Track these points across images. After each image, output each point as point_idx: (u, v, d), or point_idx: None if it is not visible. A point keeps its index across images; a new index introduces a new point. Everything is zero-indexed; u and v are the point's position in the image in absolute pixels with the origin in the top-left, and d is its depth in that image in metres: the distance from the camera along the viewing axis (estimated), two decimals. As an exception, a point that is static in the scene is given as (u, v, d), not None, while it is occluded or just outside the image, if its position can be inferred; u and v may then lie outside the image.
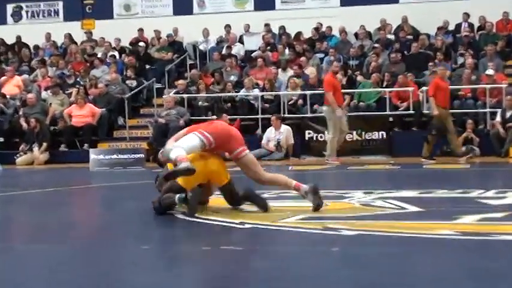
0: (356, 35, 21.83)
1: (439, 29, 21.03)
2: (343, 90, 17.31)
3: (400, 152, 16.17)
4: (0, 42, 24.27)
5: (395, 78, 17.62)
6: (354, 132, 16.51)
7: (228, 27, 22.71)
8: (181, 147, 6.94)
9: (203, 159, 7.22)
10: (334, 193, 8.79)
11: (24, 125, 18.05)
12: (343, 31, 21.41)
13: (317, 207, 7.00)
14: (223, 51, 21.64)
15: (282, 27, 22.46)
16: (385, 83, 17.84)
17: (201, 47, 22.59)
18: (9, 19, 25.90)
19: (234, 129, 7.54)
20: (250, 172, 7.43)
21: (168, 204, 6.95)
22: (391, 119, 17.08)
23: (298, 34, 22.20)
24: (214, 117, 16.84)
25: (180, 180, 6.95)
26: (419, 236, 5.65)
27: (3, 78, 20.69)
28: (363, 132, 16.56)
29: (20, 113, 18.86)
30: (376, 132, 16.59)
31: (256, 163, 7.58)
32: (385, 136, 16.58)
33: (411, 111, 16.88)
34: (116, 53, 22.32)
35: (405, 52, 19.79)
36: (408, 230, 5.93)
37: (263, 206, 7.22)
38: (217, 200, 7.36)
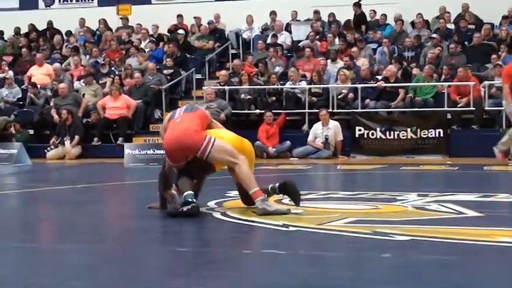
0: (413, 24, 21.68)
1: (504, 18, 20.77)
2: (396, 84, 17.24)
3: (459, 152, 16.03)
4: (31, 28, 24.60)
5: (455, 71, 17.46)
6: (409, 130, 16.42)
7: (273, 14, 22.70)
8: None
9: (240, 141, 7.53)
10: (385, 195, 8.77)
11: (56, 116, 18.28)
12: (398, 20, 21.26)
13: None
14: (268, 40, 21.65)
15: (332, 15, 22.38)
16: (443, 77, 17.69)
17: (245, 35, 22.62)
18: (41, 3, 26.23)
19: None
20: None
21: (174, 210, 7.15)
22: (449, 116, 16.94)
23: (348, 22, 22.08)
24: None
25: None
26: (477, 244, 5.61)
27: (33, 67, 20.97)
28: (418, 130, 16.45)
29: (51, 104, 19.11)
30: (433, 130, 16.46)
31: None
32: (442, 134, 16.44)
33: (471, 108, 16.72)
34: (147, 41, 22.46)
35: (466, 43, 19.60)
36: (466, 236, 5.90)
37: (297, 201, 7.43)
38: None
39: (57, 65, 21.10)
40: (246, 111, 17.53)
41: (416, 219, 6.88)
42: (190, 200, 7.04)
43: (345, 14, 22.28)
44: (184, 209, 7.00)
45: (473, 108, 16.69)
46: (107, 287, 4.48)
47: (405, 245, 5.62)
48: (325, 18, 22.59)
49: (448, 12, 21.41)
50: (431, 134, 16.45)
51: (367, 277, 4.65)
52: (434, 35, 19.94)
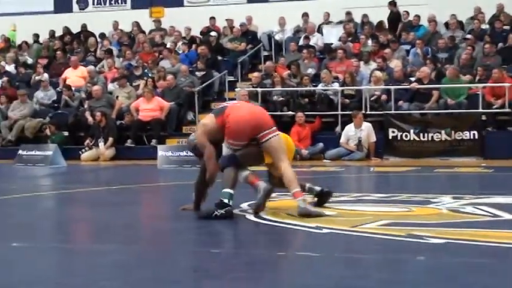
0: (446, 24, 21.55)
1: (539, 18, 20.58)
2: (429, 86, 17.14)
3: (494, 154, 15.89)
4: (65, 31, 24.81)
5: (490, 72, 17.32)
6: (443, 132, 16.29)
7: (305, 15, 22.68)
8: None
9: (285, 138, 7.81)
10: (419, 198, 8.73)
11: (90, 118, 18.41)
12: (432, 20, 21.14)
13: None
14: (301, 42, 21.65)
15: (365, 16, 22.31)
16: (477, 78, 17.56)
17: (277, 37, 22.62)
18: (75, 7, 26.45)
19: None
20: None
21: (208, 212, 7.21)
22: (483, 118, 16.80)
23: (381, 23, 21.99)
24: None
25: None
26: (513, 247, 5.58)
27: (68, 69, 21.15)
28: (453, 132, 16.33)
29: (85, 106, 19.24)
30: (467, 132, 16.32)
31: None
32: (476, 136, 16.30)
33: (507, 110, 16.57)
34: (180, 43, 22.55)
35: (501, 44, 19.43)
36: (502, 239, 5.86)
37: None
38: (293, 202, 7.38)
39: (91, 67, 21.24)
40: (279, 113, 17.53)
41: (450, 221, 6.85)
42: (226, 201, 7.09)
43: (378, 15, 22.18)
44: (218, 213, 7.04)
45: (509, 110, 16.53)
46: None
47: (439, 248, 5.60)
48: (357, 19, 22.52)
49: (482, 13, 21.25)
50: (465, 136, 16.31)
51: (400, 279, 4.65)
52: (468, 36, 19.80)
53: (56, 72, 21.92)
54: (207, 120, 7.67)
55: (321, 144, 16.71)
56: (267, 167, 7.73)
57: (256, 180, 7.27)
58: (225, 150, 7.41)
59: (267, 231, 6.72)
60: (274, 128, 7.49)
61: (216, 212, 7.05)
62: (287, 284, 4.63)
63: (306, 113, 17.15)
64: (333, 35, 21.93)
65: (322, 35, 22.16)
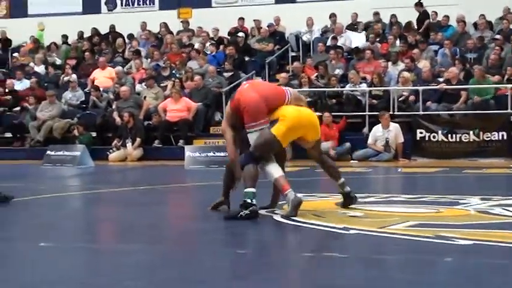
0: (475, 25, 21.40)
1: None
2: (458, 86, 17.03)
3: (523, 155, 15.78)
4: (93, 32, 24.96)
5: (519, 72, 17.18)
6: (471, 132, 16.19)
7: (333, 16, 22.64)
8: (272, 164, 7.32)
9: (298, 112, 7.48)
10: (447, 199, 8.67)
11: (118, 119, 18.49)
12: (461, 21, 21.01)
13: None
14: (328, 43, 21.60)
15: (394, 16, 22.22)
16: (505, 78, 17.41)
17: (305, 38, 22.59)
18: (103, 8, 26.62)
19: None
20: None
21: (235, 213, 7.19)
22: (512, 119, 16.67)
23: (409, 24, 21.89)
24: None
25: (276, 133, 7.28)
26: (542, 248, 5.52)
27: (96, 70, 21.27)
28: (481, 133, 16.21)
29: (113, 106, 19.33)
30: (496, 133, 16.20)
31: None
32: (505, 137, 16.17)
33: (536, 110, 16.42)
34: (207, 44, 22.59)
35: (530, 44, 19.27)
36: (530, 241, 5.81)
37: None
38: (320, 203, 7.36)
39: (119, 68, 21.33)
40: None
41: (479, 223, 6.79)
42: (249, 201, 7.08)
43: (406, 16, 22.09)
44: (243, 214, 7.04)
45: (538, 111, 16.40)
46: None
47: (467, 249, 5.56)
48: (385, 19, 22.43)
49: (511, 13, 21.07)
50: (494, 137, 16.19)
51: (428, 281, 4.61)
52: (497, 36, 19.65)
53: (84, 73, 22.07)
54: (228, 106, 7.80)
55: (348, 144, 16.66)
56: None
57: (287, 188, 7.19)
58: (252, 138, 7.36)
59: (293, 232, 6.70)
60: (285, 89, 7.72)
61: (242, 213, 7.04)
62: (313, 286, 4.60)
63: (333, 113, 17.11)
64: (356, 40, 21.79)
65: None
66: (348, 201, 7.78)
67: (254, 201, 7.11)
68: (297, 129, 7.38)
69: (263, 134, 7.27)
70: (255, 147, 7.28)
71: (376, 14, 22.34)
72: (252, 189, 7.15)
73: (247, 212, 7.04)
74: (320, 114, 17.23)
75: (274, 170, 7.28)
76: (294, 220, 7.01)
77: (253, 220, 7.01)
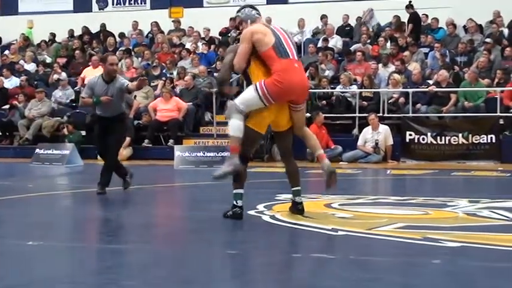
0: (465, 28, 21.47)
1: (559, 22, 20.46)
2: (447, 89, 17.08)
3: (511, 158, 15.82)
4: (84, 31, 24.92)
5: (508, 76, 17.24)
6: (460, 135, 16.24)
7: (324, 17, 22.68)
8: (239, 119, 7.16)
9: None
10: (436, 201, 8.71)
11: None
12: (450, 24, 21.08)
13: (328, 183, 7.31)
14: (319, 44, 21.64)
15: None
16: (495, 82, 17.48)
17: (296, 39, 22.61)
18: (94, 6, 26.54)
19: (303, 81, 7.52)
20: (300, 123, 7.53)
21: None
22: (501, 122, 16.73)
23: (400, 23, 21.90)
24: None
25: (251, 125, 7.24)
26: (529, 251, 5.56)
27: (86, 69, 21.23)
28: (470, 135, 16.27)
29: (103, 105, 19.28)
30: (485, 136, 16.25)
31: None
32: (494, 140, 16.23)
33: (525, 114, 16.50)
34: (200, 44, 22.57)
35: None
36: (517, 244, 5.85)
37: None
38: (309, 204, 7.39)
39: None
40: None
41: (467, 225, 6.83)
42: (234, 203, 7.16)
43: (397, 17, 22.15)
44: (228, 214, 7.10)
45: (527, 114, 16.47)
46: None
47: (455, 252, 5.59)
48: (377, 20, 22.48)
49: (501, 17, 21.15)
50: (483, 140, 16.25)
51: (416, 283, 4.64)
52: (487, 40, 19.73)
53: (74, 71, 22.03)
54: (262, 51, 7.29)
55: (339, 148, 16.66)
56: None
57: (236, 150, 7.14)
58: (251, 92, 7.25)
59: (283, 232, 6.72)
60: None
61: (228, 213, 7.13)
62: (302, 286, 4.63)
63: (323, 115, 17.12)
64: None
65: (341, 37, 22.10)
66: (294, 208, 7.52)
67: (239, 203, 7.13)
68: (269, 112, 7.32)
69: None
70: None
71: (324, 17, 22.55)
72: (240, 191, 7.18)
73: (230, 212, 7.12)
74: (309, 115, 17.33)
75: (237, 128, 7.19)
76: (283, 221, 7.04)
77: (242, 221, 7.04)
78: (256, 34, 7.24)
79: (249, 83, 7.49)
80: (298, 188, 7.48)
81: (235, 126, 7.14)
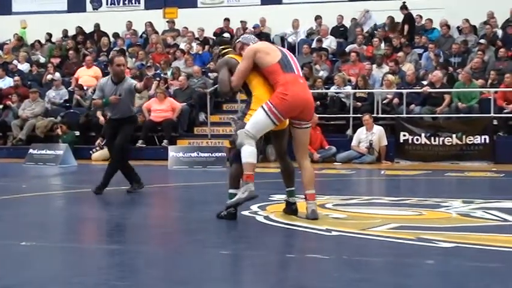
0: (459, 29, 21.51)
1: (552, 23, 20.50)
2: (441, 90, 17.10)
3: (504, 159, 15.84)
4: (78, 31, 24.89)
5: (502, 77, 17.28)
6: (454, 136, 16.26)
7: (319, 18, 22.70)
8: (252, 145, 7.08)
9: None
10: (429, 201, 8.72)
11: (101, 118, 18.41)
12: (444, 25, 21.12)
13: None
14: (314, 45, 21.65)
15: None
16: (489, 82, 17.51)
17: (290, 39, 22.63)
18: (88, 6, 26.51)
19: (308, 95, 7.46)
20: (301, 146, 7.42)
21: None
22: (495, 122, 16.76)
23: (394, 23, 21.92)
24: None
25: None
26: (522, 252, 5.57)
27: (80, 69, 21.22)
28: (464, 136, 16.29)
29: (97, 105, 19.27)
30: (478, 136, 16.27)
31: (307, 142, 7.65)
32: (488, 141, 16.25)
33: (518, 114, 16.52)
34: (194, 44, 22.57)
35: (513, 49, 19.39)
36: (510, 244, 5.85)
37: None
38: (303, 204, 7.39)
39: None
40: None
41: (460, 226, 6.84)
42: (228, 203, 7.16)
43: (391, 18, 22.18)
44: (222, 214, 7.11)
45: (521, 115, 16.49)
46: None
47: (449, 252, 5.60)
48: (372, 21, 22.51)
49: (494, 18, 21.19)
50: (476, 140, 16.27)
51: (410, 283, 4.65)
52: (481, 41, 19.76)
53: (68, 71, 22.01)
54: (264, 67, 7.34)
55: (333, 149, 16.67)
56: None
57: (250, 178, 7.05)
58: (260, 116, 7.18)
59: (277, 233, 6.73)
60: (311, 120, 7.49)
61: (222, 213, 7.14)
62: (296, 287, 4.63)
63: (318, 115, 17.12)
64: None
65: (336, 37, 22.11)
66: (288, 209, 7.55)
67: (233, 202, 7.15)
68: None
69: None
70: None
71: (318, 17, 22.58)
72: (233, 191, 7.19)
73: (224, 213, 7.12)
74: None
75: (250, 155, 7.12)
76: (277, 221, 7.05)
77: (236, 221, 7.04)
78: (259, 52, 7.31)
79: (246, 89, 7.48)
80: (293, 188, 7.48)
81: (248, 153, 7.09)
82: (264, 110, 7.10)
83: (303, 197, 7.32)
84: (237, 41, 7.75)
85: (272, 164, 13.97)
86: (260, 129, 7.16)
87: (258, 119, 7.13)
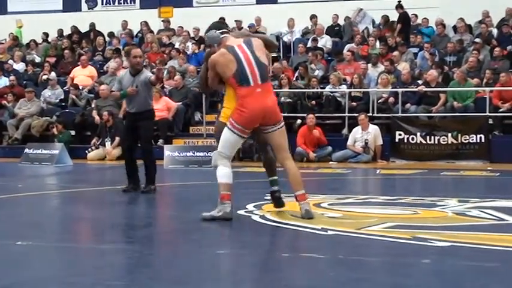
0: (455, 28, 21.52)
1: (548, 22, 20.53)
2: (437, 89, 17.11)
3: (500, 158, 15.86)
4: (73, 30, 24.86)
5: (497, 76, 17.29)
6: (449, 135, 16.27)
7: (314, 17, 22.70)
8: (226, 165, 7.18)
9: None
10: (425, 200, 8.73)
11: (97, 118, 18.42)
12: (440, 24, 21.13)
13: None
14: (309, 44, 21.65)
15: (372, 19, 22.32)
16: (484, 81, 17.52)
17: (285, 39, 22.63)
18: (84, 6, 26.50)
19: (266, 103, 7.27)
20: (279, 148, 7.38)
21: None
22: (490, 121, 16.77)
23: (389, 22, 21.92)
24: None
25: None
26: (518, 251, 5.58)
27: (75, 68, 21.19)
28: (459, 135, 16.30)
29: (93, 105, 19.26)
30: (474, 136, 16.28)
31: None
32: (483, 140, 16.27)
33: (514, 113, 16.54)
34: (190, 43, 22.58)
35: (510, 47, 19.39)
36: (506, 243, 5.86)
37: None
38: (295, 205, 7.38)
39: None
40: (286, 114, 17.50)
41: (456, 225, 6.85)
42: (203, 215, 7.22)
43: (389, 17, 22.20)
44: (216, 215, 7.11)
45: (516, 114, 16.50)
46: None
47: (445, 251, 5.60)
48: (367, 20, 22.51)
49: (490, 17, 21.21)
50: (472, 140, 16.27)
51: (406, 283, 4.65)
52: (477, 40, 19.78)
53: (63, 71, 21.99)
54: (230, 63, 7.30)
55: (329, 148, 16.68)
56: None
57: (226, 198, 7.09)
58: (225, 133, 7.28)
59: (272, 232, 6.72)
60: (281, 122, 7.38)
61: (217, 214, 7.14)
62: (291, 286, 4.63)
63: (312, 115, 17.10)
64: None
65: (331, 37, 22.11)
66: (276, 203, 7.61)
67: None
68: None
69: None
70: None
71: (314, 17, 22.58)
72: (273, 178, 7.31)
73: (221, 213, 7.12)
74: (302, 115, 17.33)
75: (225, 175, 7.18)
76: (273, 221, 7.04)
77: (232, 221, 7.04)
78: (217, 65, 7.32)
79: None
80: (275, 177, 7.58)
81: (222, 173, 7.16)
82: (228, 128, 7.22)
83: (294, 199, 7.33)
84: (205, 38, 7.81)
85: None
86: (231, 147, 7.29)
87: (225, 138, 7.25)
